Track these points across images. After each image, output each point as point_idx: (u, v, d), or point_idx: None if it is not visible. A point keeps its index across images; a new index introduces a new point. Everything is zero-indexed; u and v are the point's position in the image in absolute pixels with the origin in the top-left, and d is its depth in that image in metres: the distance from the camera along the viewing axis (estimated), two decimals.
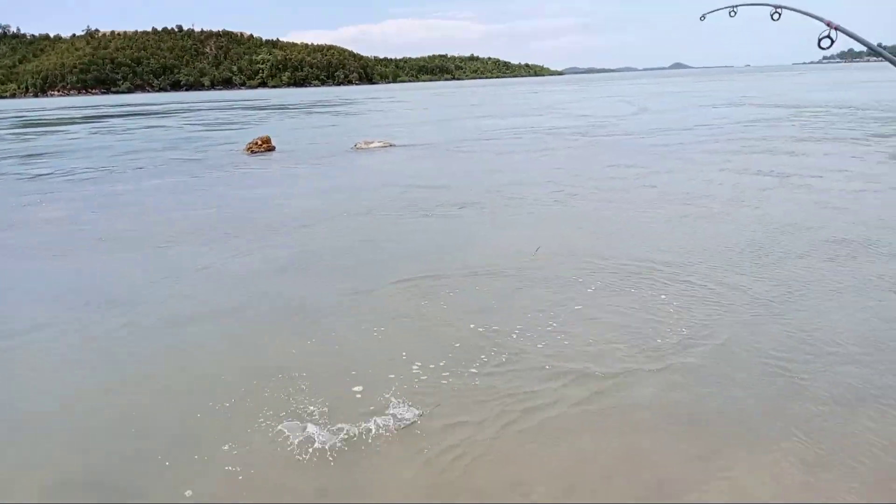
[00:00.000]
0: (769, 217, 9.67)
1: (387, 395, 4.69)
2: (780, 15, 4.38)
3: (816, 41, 3.29)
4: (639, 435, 4.12)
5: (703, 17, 6.68)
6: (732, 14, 5.89)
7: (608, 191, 12.58)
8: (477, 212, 11.20)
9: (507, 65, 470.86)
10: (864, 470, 3.64)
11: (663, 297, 6.50)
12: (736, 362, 5.01)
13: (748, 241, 8.38)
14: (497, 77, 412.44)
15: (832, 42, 3.22)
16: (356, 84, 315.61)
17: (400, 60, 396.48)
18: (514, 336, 5.70)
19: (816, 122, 24.46)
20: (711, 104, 39.63)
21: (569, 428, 4.23)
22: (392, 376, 4.99)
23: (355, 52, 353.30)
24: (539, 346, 5.48)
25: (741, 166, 14.58)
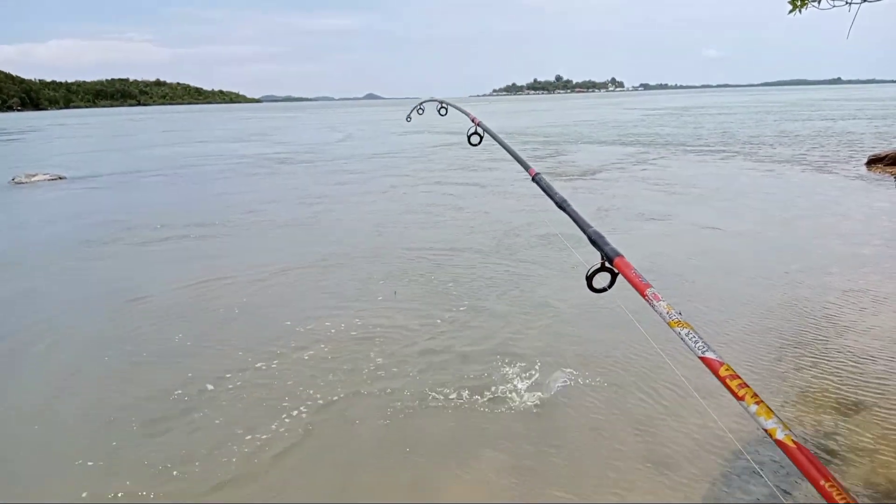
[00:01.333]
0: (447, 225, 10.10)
1: None
2: (446, 110, 5.01)
3: (467, 138, 3.57)
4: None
5: (408, 119, 6.91)
6: (420, 112, 6.18)
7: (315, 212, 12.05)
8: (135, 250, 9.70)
9: (199, 91, 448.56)
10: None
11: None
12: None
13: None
14: (189, 103, 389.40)
15: (480, 138, 3.52)
16: (18, 110, 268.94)
17: (73, 84, 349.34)
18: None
19: (495, 146, 27.40)
20: (410, 130, 42.11)
21: None
22: None
23: (14, 74, 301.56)
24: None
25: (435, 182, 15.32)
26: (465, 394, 4.70)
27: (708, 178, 15.60)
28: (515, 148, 3.10)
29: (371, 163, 22.06)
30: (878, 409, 4.29)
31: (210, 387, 4.96)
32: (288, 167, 21.48)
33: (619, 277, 1.58)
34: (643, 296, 1.36)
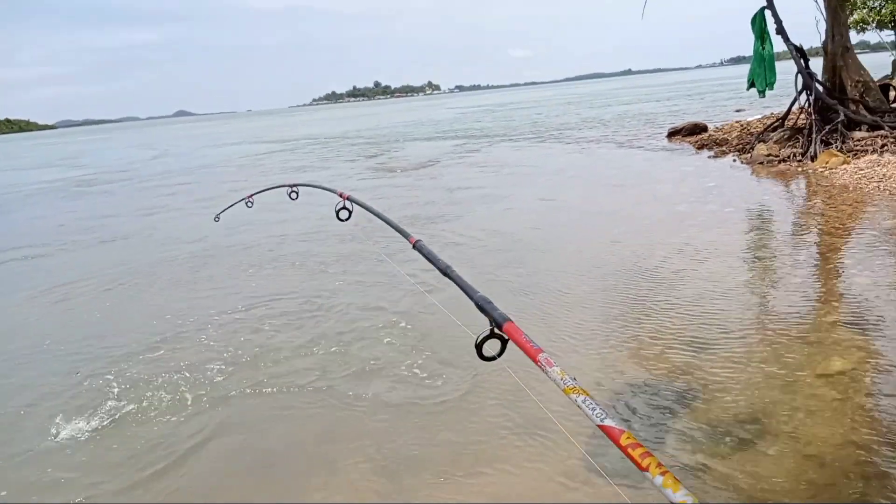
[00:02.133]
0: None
1: None
2: (297, 194, 4.24)
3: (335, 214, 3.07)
4: None
5: (217, 218, 5.91)
6: (249, 206, 5.39)
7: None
8: None
9: None
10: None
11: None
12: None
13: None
14: None
15: (350, 213, 2.99)
16: None
17: None
18: None
19: (321, 149, 26.75)
20: (230, 142, 39.88)
21: None
22: None
23: None
24: None
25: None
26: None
27: (531, 161, 16.19)
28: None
29: (196, 174, 20.41)
30: (720, 343, 4.33)
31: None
32: (105, 186, 19.19)
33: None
34: (535, 362, 1.30)
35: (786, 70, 12.81)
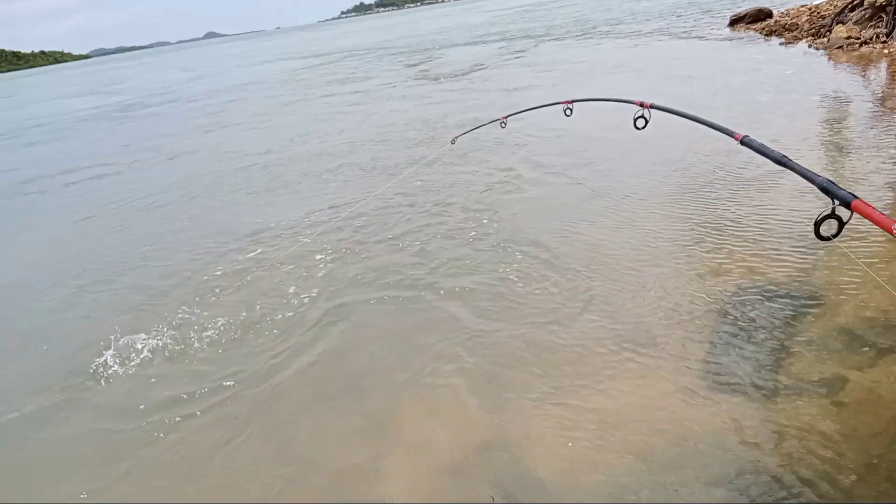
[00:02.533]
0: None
1: None
2: (571, 110, 3.97)
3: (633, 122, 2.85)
4: None
5: (453, 141, 5.80)
6: (503, 126, 5.19)
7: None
8: None
9: (17, 55, 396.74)
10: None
11: None
12: None
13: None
14: (7, 71, 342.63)
15: (646, 121, 2.77)
16: None
17: None
18: None
19: (359, 61, 26.17)
20: (267, 60, 39.37)
21: None
22: None
23: None
24: None
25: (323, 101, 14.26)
26: None
27: (584, 57, 15.57)
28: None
29: (242, 92, 20.36)
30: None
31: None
32: (154, 109, 19.35)
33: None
34: (891, 232, 1.38)
35: None
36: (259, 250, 5.48)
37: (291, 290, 4.55)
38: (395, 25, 69.19)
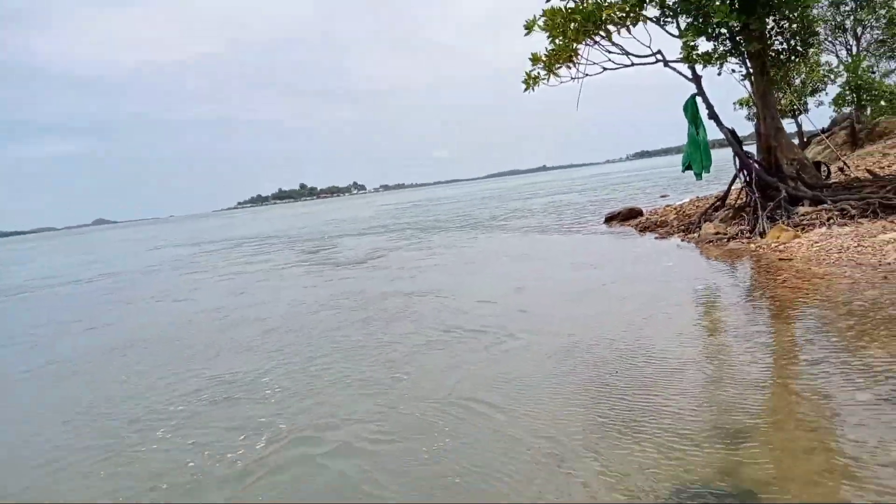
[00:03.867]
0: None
1: None
2: None
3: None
4: None
5: None
6: None
7: None
8: None
9: None
10: None
11: None
12: None
13: None
14: None
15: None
16: None
17: None
18: None
19: (261, 246, 25.73)
20: (170, 244, 38.11)
21: None
22: None
23: None
24: None
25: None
26: None
27: (482, 248, 15.83)
28: None
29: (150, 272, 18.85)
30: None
31: None
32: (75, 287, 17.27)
33: None
34: None
35: (715, 158, 13.23)
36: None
37: None
38: (293, 216, 70.83)
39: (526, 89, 13.02)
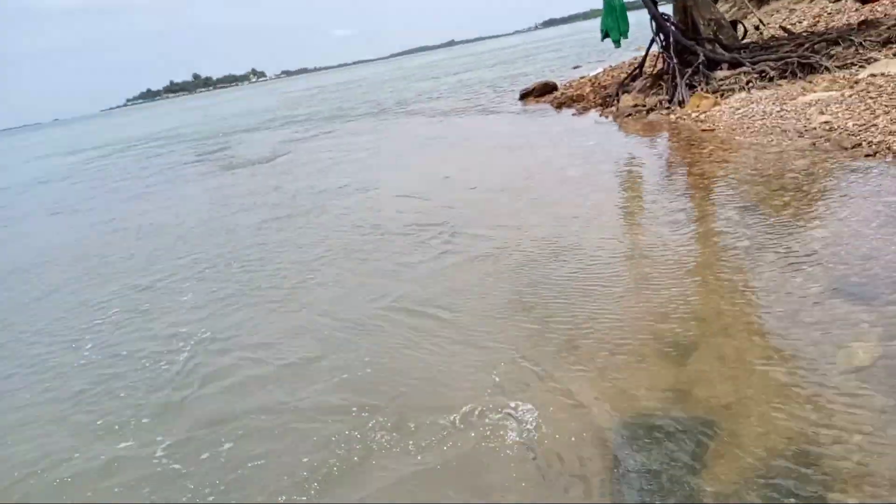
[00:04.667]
0: None
1: None
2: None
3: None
4: None
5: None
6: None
7: None
8: None
9: None
10: None
11: None
12: None
13: None
14: None
15: None
16: None
17: None
18: None
19: (147, 152, 23.58)
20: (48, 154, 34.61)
21: None
22: None
23: None
24: None
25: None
26: None
27: (394, 137, 14.84)
28: None
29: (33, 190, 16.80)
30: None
31: None
32: None
33: None
34: None
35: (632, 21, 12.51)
36: None
37: None
38: (188, 111, 66.00)
39: None
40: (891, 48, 9.49)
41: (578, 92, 14.90)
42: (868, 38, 10.04)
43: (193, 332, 5.11)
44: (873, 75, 8.23)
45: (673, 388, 3.17)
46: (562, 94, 15.50)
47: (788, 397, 2.91)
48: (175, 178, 14.91)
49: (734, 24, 12.20)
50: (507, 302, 4.54)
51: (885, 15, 12.16)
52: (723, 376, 3.17)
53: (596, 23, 12.70)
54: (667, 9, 12.11)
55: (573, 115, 12.67)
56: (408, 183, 9.27)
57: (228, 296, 5.84)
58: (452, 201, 7.67)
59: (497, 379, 3.61)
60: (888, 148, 5.87)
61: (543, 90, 16.51)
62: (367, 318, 4.76)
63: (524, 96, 16.70)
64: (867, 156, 5.86)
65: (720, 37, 11.09)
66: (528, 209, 6.73)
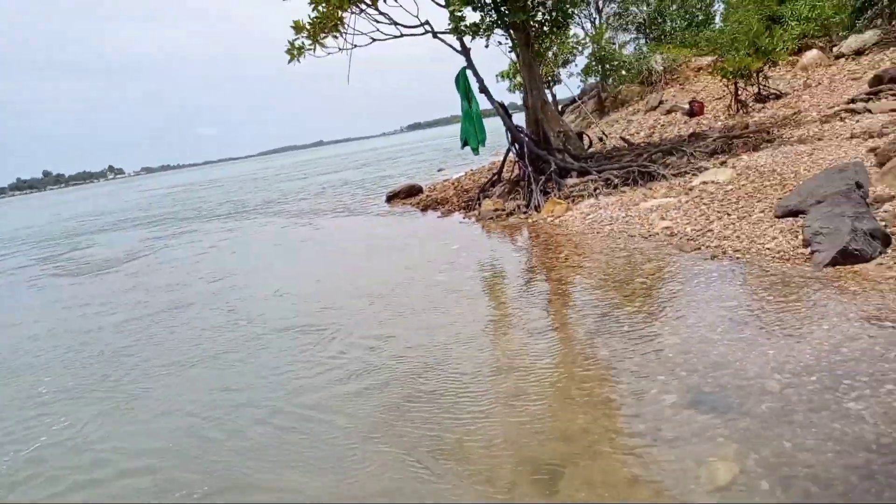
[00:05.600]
0: None
1: None
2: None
3: None
4: None
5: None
6: None
7: None
8: None
9: None
10: None
11: None
12: None
13: None
14: None
15: None
16: None
17: None
18: None
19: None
20: None
21: None
22: None
23: None
24: None
25: None
26: None
27: (254, 239, 14.29)
28: None
29: None
30: None
31: None
32: None
33: None
34: None
35: (488, 128, 13.26)
36: None
37: None
38: (36, 209, 60.72)
39: (290, 60, 11.82)
40: (717, 158, 10.65)
41: (443, 195, 15.33)
42: (698, 149, 11.24)
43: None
44: (705, 182, 9.11)
45: None
46: (427, 196, 15.88)
47: None
48: (13, 283, 13.36)
49: (580, 134, 13.29)
50: (372, 424, 4.24)
51: (710, 128, 13.77)
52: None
53: (458, 127, 13.32)
54: (519, 118, 12.98)
55: (438, 217, 12.93)
56: (270, 290, 8.82)
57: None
58: (311, 312, 7.34)
59: None
60: (724, 252, 6.38)
61: (409, 192, 16.84)
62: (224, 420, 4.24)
63: (391, 198, 16.93)
64: (711, 258, 6.32)
65: (569, 147, 11.98)
66: (398, 318, 6.54)
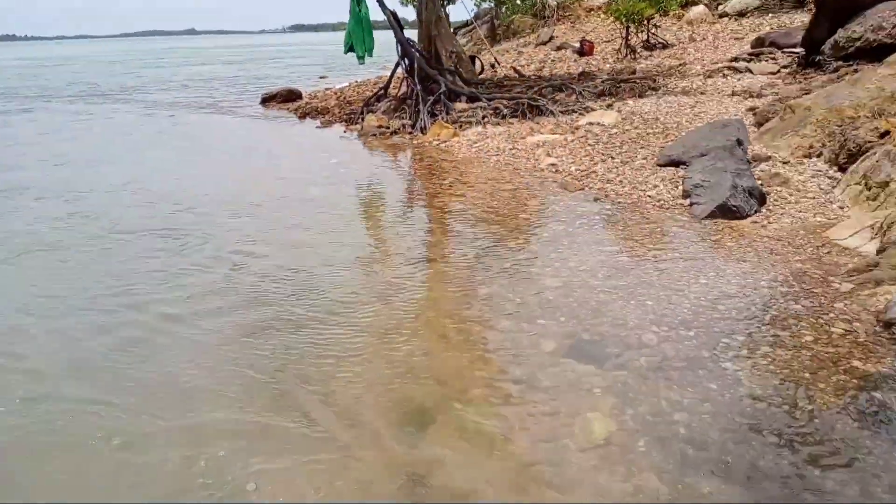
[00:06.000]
0: None
1: None
2: None
3: None
4: None
5: None
6: None
7: None
8: None
9: None
10: None
11: None
12: None
13: None
14: None
15: None
16: None
17: None
18: None
19: None
20: None
21: None
22: None
23: None
24: None
25: None
26: None
27: (105, 129, 12.66)
28: None
29: None
30: None
31: None
32: None
33: None
34: None
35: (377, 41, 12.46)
36: None
37: None
38: None
39: None
40: (604, 100, 10.65)
41: (324, 104, 14.36)
42: (586, 89, 11.18)
43: None
44: (591, 123, 9.06)
45: (410, 475, 2.74)
46: (306, 103, 14.83)
47: (531, 480, 2.66)
48: None
49: (472, 59, 12.80)
50: (226, 352, 3.77)
51: (598, 70, 13.79)
52: (460, 460, 2.83)
53: (343, 35, 12.36)
54: (412, 34, 12.23)
55: (317, 127, 12.09)
56: (118, 183, 7.79)
57: None
58: (165, 215, 6.54)
59: (203, 464, 2.85)
60: (606, 196, 6.35)
61: (287, 97, 15.66)
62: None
63: (266, 100, 15.67)
64: (594, 200, 6.26)
65: (460, 69, 11.50)
66: (266, 233, 5.95)
